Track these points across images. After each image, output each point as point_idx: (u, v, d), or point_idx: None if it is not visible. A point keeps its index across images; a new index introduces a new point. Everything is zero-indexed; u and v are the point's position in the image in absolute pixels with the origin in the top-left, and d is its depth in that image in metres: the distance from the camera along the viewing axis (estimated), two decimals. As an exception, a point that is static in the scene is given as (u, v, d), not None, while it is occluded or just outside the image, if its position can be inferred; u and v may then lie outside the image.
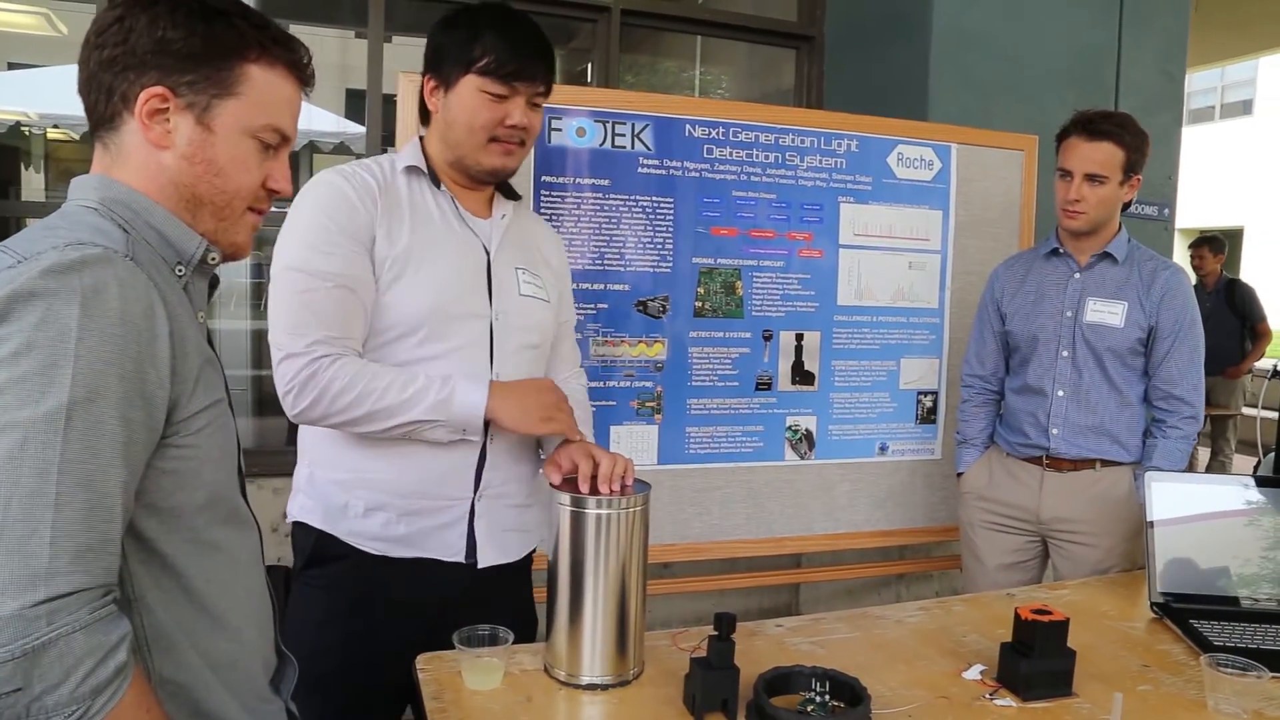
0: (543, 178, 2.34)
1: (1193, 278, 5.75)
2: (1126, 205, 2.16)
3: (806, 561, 2.95)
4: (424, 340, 1.54)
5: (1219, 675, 1.44)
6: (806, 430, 2.61)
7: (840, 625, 1.75)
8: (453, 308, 1.56)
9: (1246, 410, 5.46)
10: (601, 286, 2.41)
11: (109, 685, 0.82)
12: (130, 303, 0.87)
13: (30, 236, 0.89)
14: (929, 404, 2.74)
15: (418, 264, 1.54)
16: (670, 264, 2.45)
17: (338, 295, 1.47)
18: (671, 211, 2.44)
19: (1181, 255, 6.17)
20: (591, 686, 1.46)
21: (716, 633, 1.40)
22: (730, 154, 2.47)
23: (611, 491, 1.45)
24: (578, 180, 2.37)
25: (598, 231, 2.39)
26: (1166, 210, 3.48)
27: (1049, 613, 1.47)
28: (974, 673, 1.54)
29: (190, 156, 0.98)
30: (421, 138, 1.65)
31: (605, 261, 2.40)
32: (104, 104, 0.97)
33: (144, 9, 0.96)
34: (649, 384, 2.47)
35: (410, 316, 1.53)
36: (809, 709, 1.34)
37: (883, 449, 2.69)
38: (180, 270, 1.00)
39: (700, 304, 2.48)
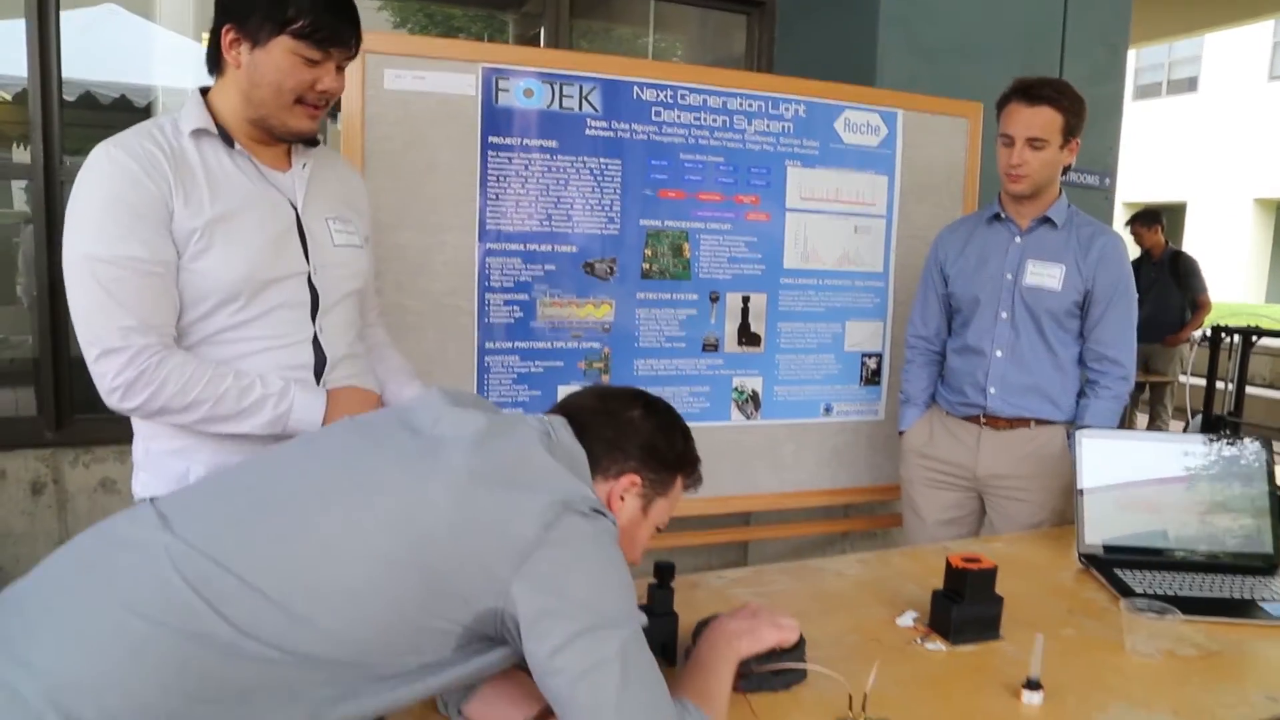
0: (489, 139, 2.33)
1: (1136, 251, 5.89)
2: (1066, 169, 2.21)
3: (755, 520, 3.00)
4: (243, 307, 1.48)
5: (1135, 618, 1.50)
6: (753, 391, 2.64)
7: (782, 577, 1.80)
8: (268, 271, 1.49)
9: (1183, 379, 5.62)
10: (549, 248, 2.41)
11: None
12: None
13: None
14: (873, 366, 2.79)
15: (226, 232, 1.45)
16: (618, 226, 2.45)
17: (142, 281, 1.39)
18: (619, 173, 2.44)
19: (1123, 226, 6.30)
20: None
21: (656, 580, 1.43)
22: (678, 117, 2.48)
23: None
24: (525, 142, 2.36)
25: (545, 193, 2.39)
26: (1108, 180, 3.55)
27: (978, 561, 1.52)
28: (907, 619, 1.59)
29: None
30: (204, 90, 1.53)
31: (553, 223, 2.40)
32: None
33: None
34: (596, 345, 2.48)
35: (225, 285, 1.45)
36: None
37: (828, 410, 2.74)
38: None
39: (648, 266, 2.50)
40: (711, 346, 2.58)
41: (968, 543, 2.12)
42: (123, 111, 4.24)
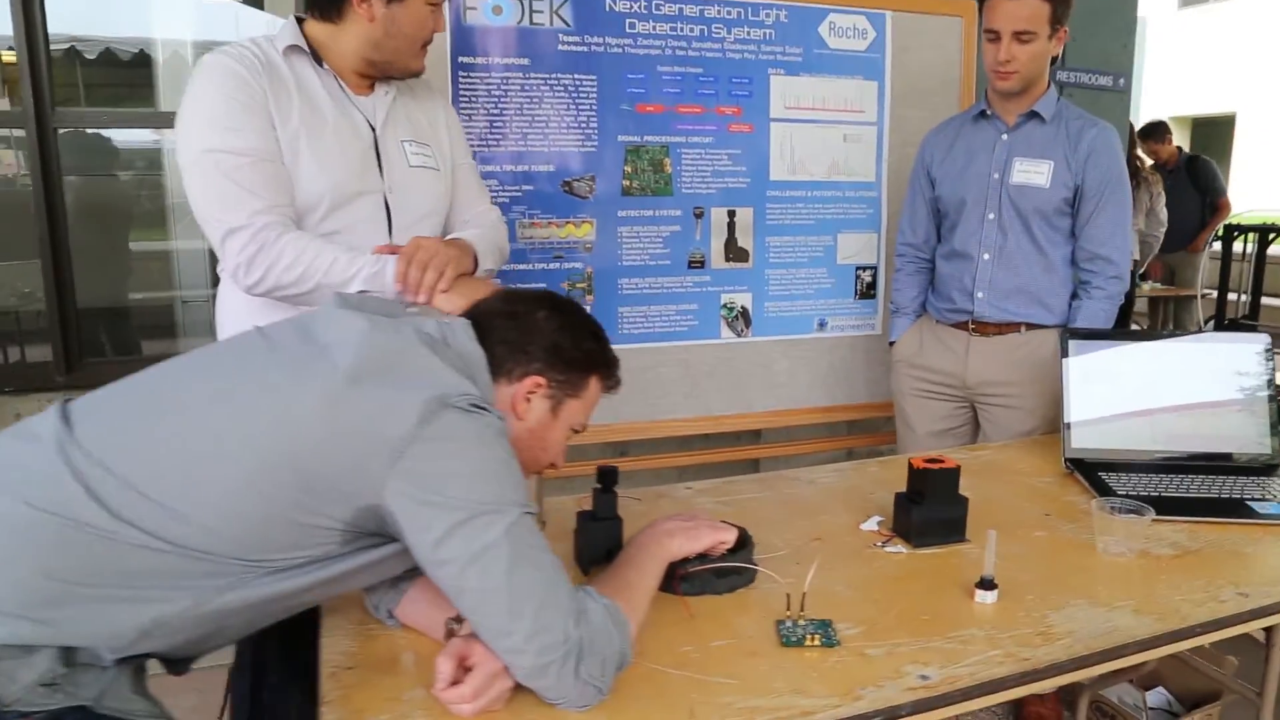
0: (460, 59, 2.27)
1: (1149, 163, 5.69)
2: (1055, 60, 2.11)
3: (765, 439, 2.97)
4: (322, 219, 1.56)
5: (1108, 518, 1.46)
6: (742, 308, 2.60)
7: (751, 486, 1.78)
8: (346, 186, 1.58)
9: (1204, 293, 5.46)
10: (525, 168, 2.36)
11: None
12: None
13: None
14: (868, 279, 2.72)
15: (309, 144, 1.55)
16: (595, 143, 2.40)
17: (260, 168, 1.49)
18: (595, 89, 2.37)
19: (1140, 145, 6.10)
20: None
21: (599, 484, 1.42)
22: (653, 28, 2.40)
23: None
24: (495, 60, 2.30)
25: (519, 112, 2.33)
26: (1123, 81, 3.39)
27: (941, 462, 1.48)
28: (871, 523, 1.56)
29: None
30: (300, 19, 1.61)
31: (528, 142, 2.35)
32: None
33: None
34: (578, 265, 2.44)
35: (306, 196, 1.55)
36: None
37: (821, 325, 2.69)
38: None
39: (628, 183, 2.44)
40: (698, 263, 2.53)
41: (953, 450, 2.08)
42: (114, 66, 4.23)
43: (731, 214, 2.53)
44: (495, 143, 2.33)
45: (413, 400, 1.00)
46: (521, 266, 2.41)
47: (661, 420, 2.57)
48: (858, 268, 2.70)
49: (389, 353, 1.05)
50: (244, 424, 1.01)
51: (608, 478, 1.41)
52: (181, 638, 1.03)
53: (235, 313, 1.61)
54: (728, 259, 2.56)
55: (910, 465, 1.50)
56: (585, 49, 2.35)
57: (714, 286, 2.56)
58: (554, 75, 2.34)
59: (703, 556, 1.31)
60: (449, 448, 1.00)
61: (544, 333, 1.20)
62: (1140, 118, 6.44)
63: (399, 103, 1.69)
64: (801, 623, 1.22)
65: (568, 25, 2.33)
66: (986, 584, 1.29)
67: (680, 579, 1.28)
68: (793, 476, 1.83)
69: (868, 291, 2.73)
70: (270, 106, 1.52)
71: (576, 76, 2.36)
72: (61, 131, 2.81)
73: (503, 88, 2.31)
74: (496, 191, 2.35)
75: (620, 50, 2.38)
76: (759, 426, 2.71)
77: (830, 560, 1.41)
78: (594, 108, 2.38)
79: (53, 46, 2.91)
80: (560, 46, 2.33)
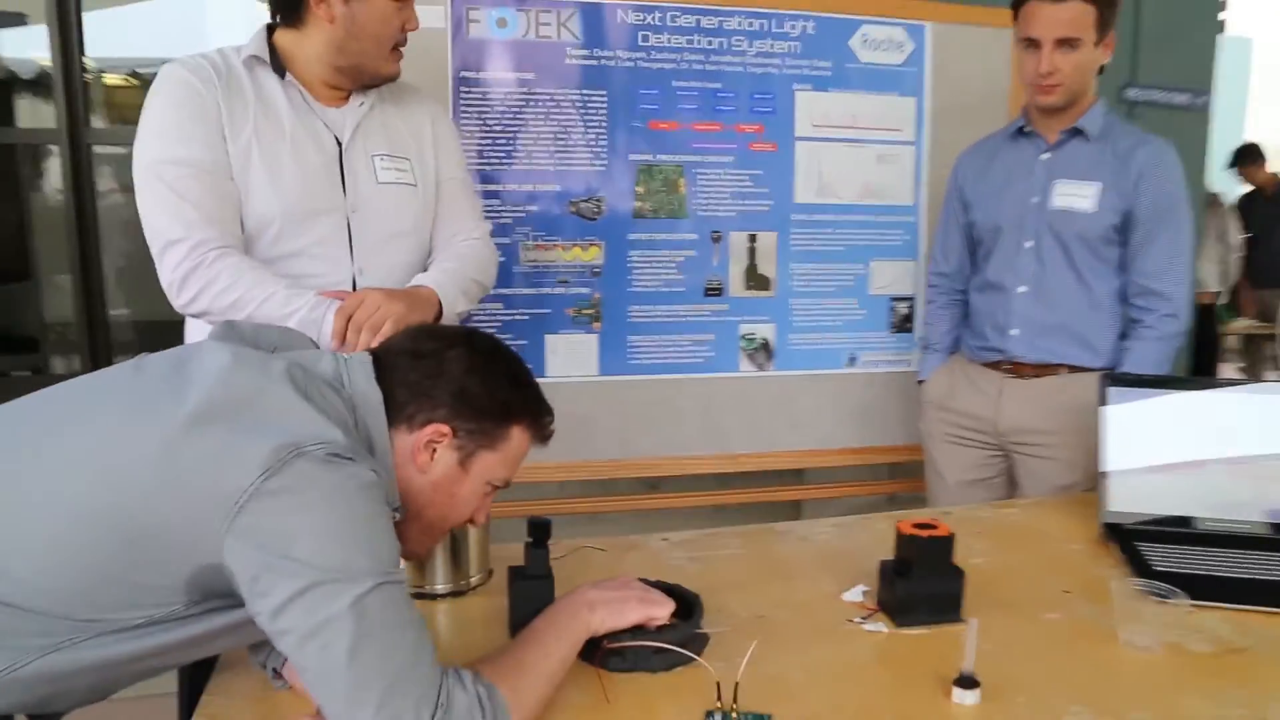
0: (462, 73, 2.17)
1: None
2: (1102, 69, 1.88)
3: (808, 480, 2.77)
4: (277, 239, 1.48)
5: (1131, 602, 1.24)
6: (764, 340, 2.42)
7: (734, 541, 1.60)
8: (302, 204, 1.49)
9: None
10: (531, 187, 2.25)
11: None
12: None
13: None
14: (904, 311, 2.52)
15: (261, 159, 1.47)
16: (605, 161, 2.27)
17: (205, 181, 1.43)
18: (605, 105, 2.25)
19: (1227, 169, 5.69)
20: (421, 595, 1.37)
21: (530, 538, 1.27)
22: (668, 40, 2.26)
23: None
24: (500, 74, 2.19)
25: (525, 128, 2.22)
26: (1204, 99, 3.09)
27: (933, 527, 1.29)
28: (855, 593, 1.37)
29: None
30: (270, 26, 1.54)
31: (534, 160, 2.24)
32: None
33: None
34: (586, 290, 2.31)
35: (258, 214, 1.47)
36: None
37: (852, 360, 2.49)
38: None
39: (640, 204, 2.30)
40: (715, 290, 2.37)
41: (975, 508, 1.86)
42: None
43: (753, 238, 2.37)
44: (499, 161, 2.22)
45: (258, 447, 0.86)
46: (525, 291, 2.29)
47: (676, 456, 2.41)
48: (893, 299, 2.50)
49: (243, 393, 0.93)
50: (68, 468, 0.90)
51: (539, 531, 1.27)
52: (4, 701, 0.92)
53: (200, 333, 1.52)
54: (748, 287, 2.39)
55: (898, 530, 1.30)
56: (595, 62, 2.23)
57: (733, 316, 2.39)
58: (561, 90, 2.22)
59: (638, 627, 1.15)
60: (295, 502, 0.86)
61: (451, 375, 1.05)
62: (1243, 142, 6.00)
63: (376, 114, 1.59)
64: (734, 717, 1.04)
65: (576, 38, 2.21)
66: (966, 681, 1.09)
67: (606, 653, 1.12)
68: (783, 531, 1.65)
69: (904, 324, 2.52)
70: (223, 118, 1.45)
71: (585, 92, 2.23)
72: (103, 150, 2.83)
73: (507, 103, 2.20)
74: (499, 211, 2.24)
75: (633, 64, 2.24)
76: (782, 466, 2.52)
77: (795, 636, 1.23)
78: (604, 124, 2.25)
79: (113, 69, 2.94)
80: (568, 60, 2.21)
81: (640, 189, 2.29)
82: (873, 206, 2.42)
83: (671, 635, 1.15)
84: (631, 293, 2.33)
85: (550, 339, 2.32)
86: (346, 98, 1.56)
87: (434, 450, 1.05)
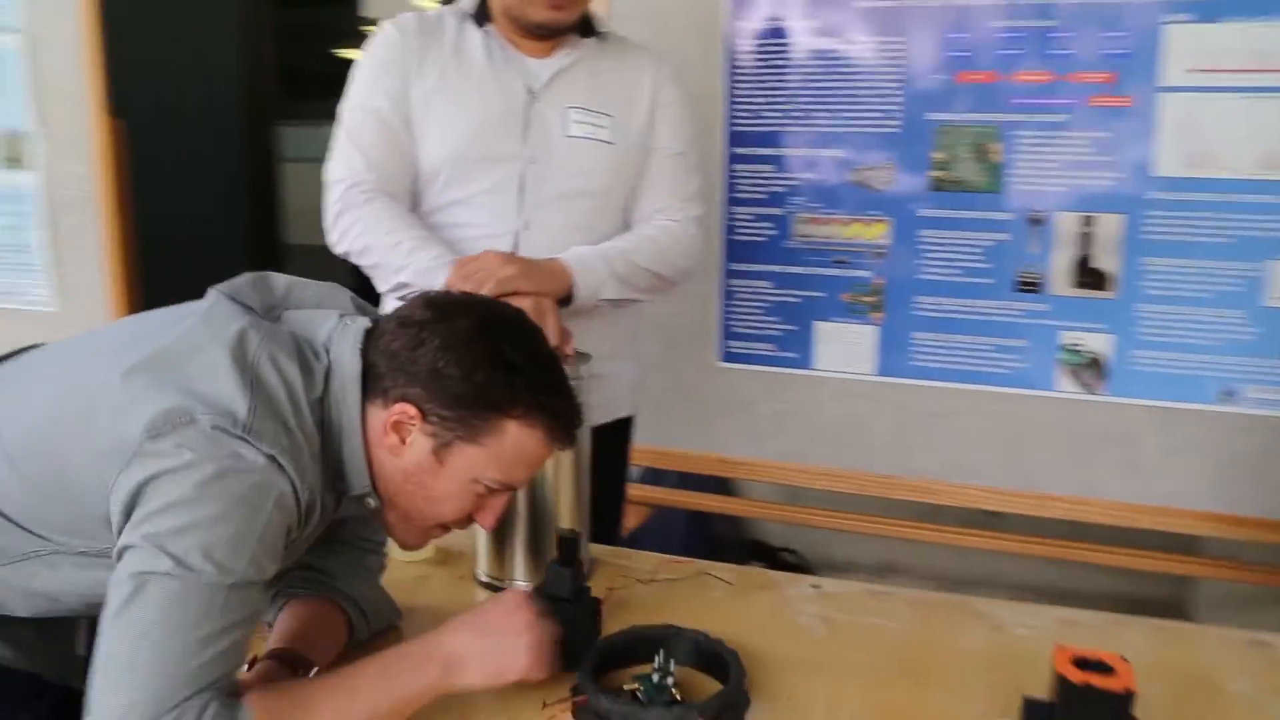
0: (737, 23, 1.97)
1: None
2: None
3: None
4: (446, 185, 1.46)
5: None
6: (1094, 354, 1.87)
7: (901, 608, 1.24)
8: (474, 149, 1.45)
9: None
10: (808, 151, 1.97)
11: None
12: None
13: None
14: (1322, 334, 1.78)
15: (440, 104, 1.44)
16: (898, 122, 1.91)
17: (379, 130, 1.43)
18: (902, 54, 1.88)
19: None
20: (491, 586, 1.26)
21: (558, 556, 1.08)
22: (988, -32, 1.82)
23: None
24: (775, 23, 1.95)
25: (804, 83, 1.95)
26: None
27: (1108, 669, 0.85)
28: (989, 721, 0.97)
29: None
30: None
31: (813, 122, 1.96)
32: None
33: None
34: (866, 274, 1.98)
35: (430, 160, 1.45)
36: (639, 687, 0.97)
37: (1229, 394, 1.82)
38: None
39: (939, 174, 1.90)
40: (1030, 285, 1.88)
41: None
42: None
43: (1088, 222, 1.83)
44: (774, 121, 1.99)
45: (154, 407, 0.83)
46: (796, 270, 2.03)
47: (960, 484, 1.99)
48: (1302, 315, 1.78)
49: (180, 351, 0.89)
50: (50, 385, 0.95)
51: (567, 547, 1.07)
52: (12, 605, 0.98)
53: None
54: (1077, 284, 1.86)
55: (1054, 662, 0.88)
56: (890, 3, 1.87)
57: (1053, 319, 1.88)
58: (849, 38, 1.91)
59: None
60: (164, 465, 0.81)
61: (429, 351, 0.92)
62: None
63: (583, 67, 1.49)
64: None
65: (871, -23, 1.88)
66: None
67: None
68: (980, 612, 1.23)
69: (1320, 353, 1.79)
70: (413, 68, 1.44)
71: (879, 39, 1.89)
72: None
73: (784, 55, 1.95)
74: (771, 179, 2.00)
75: (938, 3, 1.84)
76: (1109, 520, 1.94)
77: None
78: (900, 77, 1.89)
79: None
80: (858, 2, 1.89)
81: (940, 156, 1.89)
82: (1277, 184, 1.74)
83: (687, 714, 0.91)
84: (921, 280, 1.94)
85: (821, 327, 2.03)
86: (552, 49, 1.48)
87: (405, 433, 0.93)
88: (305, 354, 0.93)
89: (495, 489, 0.97)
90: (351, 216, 1.40)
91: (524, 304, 1.23)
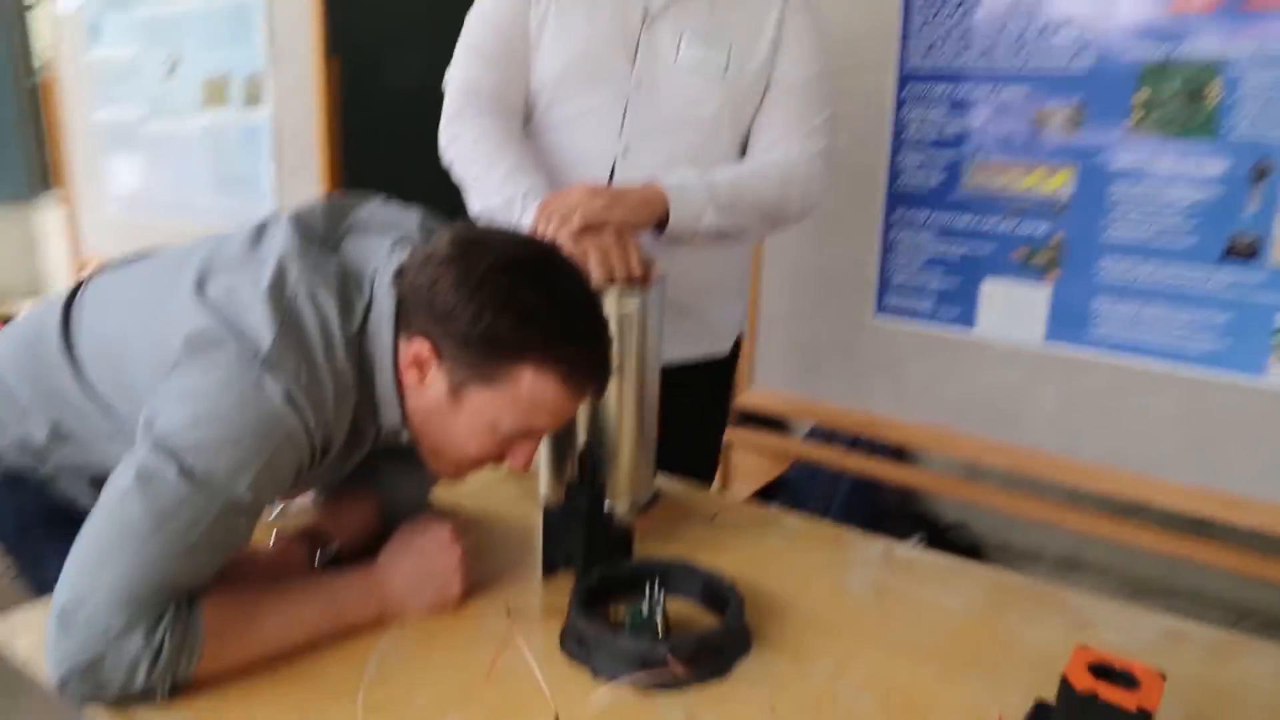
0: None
1: None
2: None
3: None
4: (550, 105, 1.45)
5: None
6: (1318, 338, 1.56)
7: (976, 589, 1.11)
8: (581, 70, 1.43)
9: None
10: (987, 90, 1.77)
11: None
12: None
13: None
14: None
15: (554, 23, 1.44)
16: (1092, 56, 1.66)
17: (498, 41, 1.45)
18: (1104, -25, 1.64)
19: None
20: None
21: (578, 471, 1.06)
22: None
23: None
24: (969, -58, 1.75)
25: (987, 15, 1.75)
26: None
27: (1132, 681, 0.71)
28: None
29: None
30: None
31: (991, 54, 1.75)
32: None
33: None
34: (1042, 228, 1.76)
35: (539, 79, 1.45)
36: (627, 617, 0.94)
37: None
38: None
39: (1137, 116, 1.64)
40: (1244, 251, 1.60)
41: None
42: None
43: (1324, 177, 1.52)
44: (950, 55, 1.80)
45: (194, 324, 0.89)
46: (964, 220, 1.84)
47: (1134, 472, 1.74)
48: None
49: (232, 274, 0.95)
50: (126, 297, 1.04)
51: (587, 462, 1.05)
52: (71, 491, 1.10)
53: None
54: (1305, 251, 1.55)
55: (1064, 676, 0.74)
56: (1095, -83, 1.63)
57: (1269, 295, 1.59)
58: (1044, -41, 1.68)
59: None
60: (194, 382, 0.87)
61: (444, 287, 0.91)
62: None
63: None
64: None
65: (1077, -118, 1.64)
66: None
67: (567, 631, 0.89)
68: (1069, 607, 1.08)
69: None
70: None
71: (1078, -41, 1.65)
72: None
73: (971, -18, 1.76)
74: (941, 121, 1.83)
75: (1153, -86, 1.58)
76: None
77: None
78: (1098, 5, 1.64)
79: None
80: (1056, -83, 1.66)
81: (1142, 96, 1.63)
82: None
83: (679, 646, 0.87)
84: (1108, 239, 1.70)
85: (987, 285, 1.84)
86: None
87: (425, 370, 0.94)
88: (348, 287, 0.95)
89: (528, 433, 0.96)
90: (461, 125, 1.41)
91: (605, 232, 1.20)
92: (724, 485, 2.31)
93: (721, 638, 0.90)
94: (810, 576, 1.11)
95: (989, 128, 1.79)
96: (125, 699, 0.82)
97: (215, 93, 3.04)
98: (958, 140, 1.82)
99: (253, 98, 2.88)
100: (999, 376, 1.86)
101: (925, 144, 1.86)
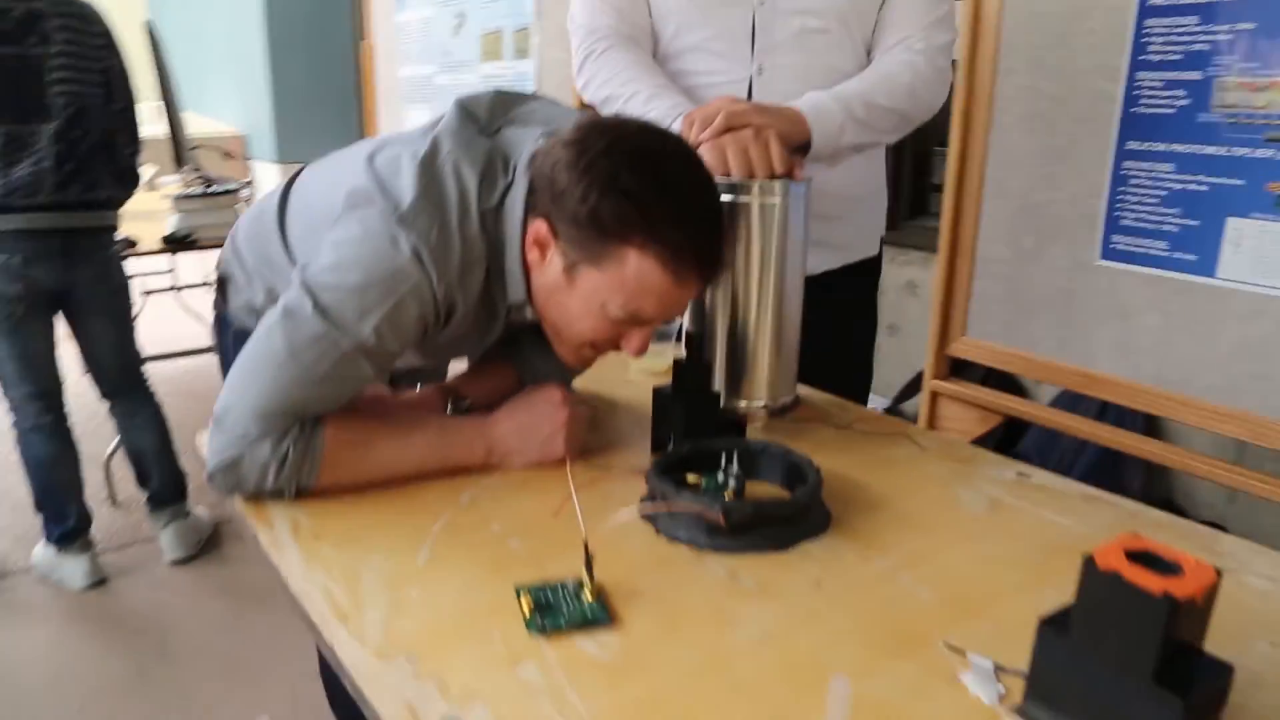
0: None
1: None
2: None
3: None
4: (678, 32, 1.48)
5: None
6: None
7: (1109, 518, 1.02)
8: None
9: None
10: (1246, -3, 1.54)
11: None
12: None
13: None
14: None
15: None
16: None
17: None
18: None
19: None
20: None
21: (686, 349, 1.10)
22: None
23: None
24: None
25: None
26: None
27: (1175, 568, 0.63)
28: (981, 670, 0.76)
29: None
30: None
31: (1260, -47, 1.52)
32: None
33: None
34: (1307, 159, 1.51)
35: (664, 6, 1.47)
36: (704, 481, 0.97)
37: None
38: None
39: None
40: None
41: None
42: None
43: None
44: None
45: (356, 182, 1.02)
46: (1210, 149, 1.62)
47: None
48: None
49: (397, 146, 1.06)
50: (324, 169, 1.23)
51: (695, 344, 1.08)
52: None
53: None
54: None
55: (1096, 551, 0.66)
56: None
57: None
58: None
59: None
60: (342, 232, 1.00)
61: (560, 171, 0.98)
62: None
63: None
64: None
65: None
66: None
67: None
68: (1212, 549, 0.95)
69: None
70: None
71: None
72: None
73: None
74: (1193, 35, 1.62)
75: None
76: None
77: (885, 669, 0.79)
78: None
79: None
80: None
81: None
82: None
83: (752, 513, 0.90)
84: (1389, 169, 1.43)
85: (1233, 224, 1.60)
86: None
87: (545, 249, 1.01)
88: (494, 167, 1.03)
89: (637, 319, 1.01)
90: (594, 66, 1.46)
91: (745, 132, 1.21)
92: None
93: (783, 508, 0.90)
94: (923, 482, 1.07)
95: (1243, 38, 1.55)
96: (259, 495, 0.96)
97: (491, 47, 3.32)
98: (1208, 56, 1.60)
99: (521, 51, 3.11)
100: (1244, 331, 1.62)
101: (1169, 64, 1.65)
